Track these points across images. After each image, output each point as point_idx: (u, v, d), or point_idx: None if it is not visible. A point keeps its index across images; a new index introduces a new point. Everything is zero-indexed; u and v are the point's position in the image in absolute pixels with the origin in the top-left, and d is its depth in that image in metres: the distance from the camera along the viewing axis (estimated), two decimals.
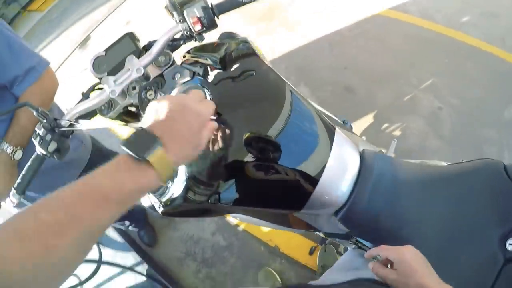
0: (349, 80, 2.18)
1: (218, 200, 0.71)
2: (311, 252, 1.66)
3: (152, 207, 0.82)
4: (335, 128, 0.73)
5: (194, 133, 0.48)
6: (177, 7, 0.73)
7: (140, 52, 0.83)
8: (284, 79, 0.77)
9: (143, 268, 1.82)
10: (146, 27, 3.03)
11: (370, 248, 0.68)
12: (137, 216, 1.85)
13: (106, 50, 0.83)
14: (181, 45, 0.86)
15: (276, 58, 2.45)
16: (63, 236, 0.38)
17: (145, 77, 0.79)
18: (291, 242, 1.71)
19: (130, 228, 1.82)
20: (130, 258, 1.89)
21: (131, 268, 1.82)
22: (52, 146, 0.74)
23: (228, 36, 0.89)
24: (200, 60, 0.79)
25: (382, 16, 2.46)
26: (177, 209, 0.77)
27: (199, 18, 0.72)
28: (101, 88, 0.85)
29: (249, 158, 0.68)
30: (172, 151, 0.45)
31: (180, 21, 0.74)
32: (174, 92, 0.73)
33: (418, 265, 0.56)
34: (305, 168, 0.67)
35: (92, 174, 0.42)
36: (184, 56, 0.87)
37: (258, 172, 0.68)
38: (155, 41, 0.86)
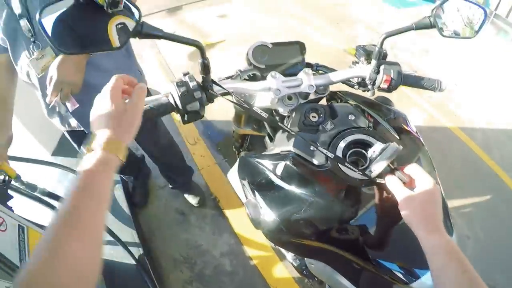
0: None
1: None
2: None
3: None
4: None
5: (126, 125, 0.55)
6: (379, 58, 0.76)
7: (304, 65, 0.84)
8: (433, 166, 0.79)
9: (137, 251, 1.71)
10: (240, 25, 3.25)
11: None
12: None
13: (273, 44, 0.84)
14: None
15: None
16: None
17: (305, 96, 0.80)
18: None
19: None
20: (127, 233, 1.78)
21: (124, 245, 1.71)
22: (194, 106, 0.64)
23: (385, 100, 0.91)
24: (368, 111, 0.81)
25: (450, 131, 2.53)
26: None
27: (391, 79, 0.75)
28: (254, 75, 0.84)
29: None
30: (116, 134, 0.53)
31: (373, 71, 0.77)
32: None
33: (440, 209, 0.57)
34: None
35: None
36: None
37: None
38: (322, 65, 0.88)
